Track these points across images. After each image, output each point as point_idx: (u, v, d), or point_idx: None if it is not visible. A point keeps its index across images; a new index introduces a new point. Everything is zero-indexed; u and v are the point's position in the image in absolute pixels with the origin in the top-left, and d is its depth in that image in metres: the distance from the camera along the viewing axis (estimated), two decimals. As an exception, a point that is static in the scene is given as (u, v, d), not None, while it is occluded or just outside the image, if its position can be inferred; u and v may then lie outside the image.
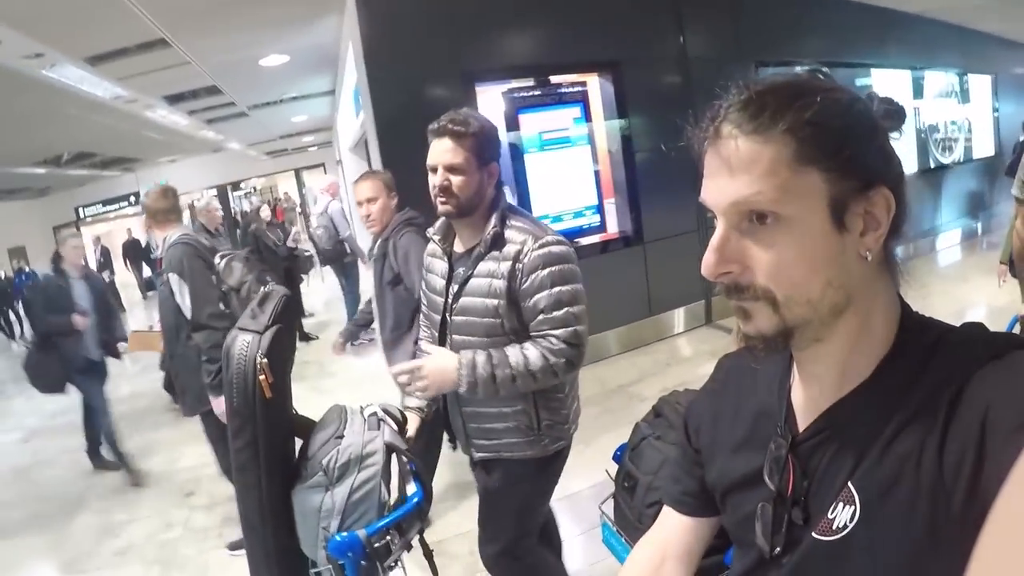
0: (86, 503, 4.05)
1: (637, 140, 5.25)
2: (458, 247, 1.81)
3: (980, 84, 8.95)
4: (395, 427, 1.64)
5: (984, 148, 9.05)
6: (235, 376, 1.38)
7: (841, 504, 0.63)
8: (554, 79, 5.08)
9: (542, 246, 1.65)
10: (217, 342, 2.50)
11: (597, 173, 5.25)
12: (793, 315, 0.62)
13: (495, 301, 1.67)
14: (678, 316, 5.60)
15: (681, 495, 0.91)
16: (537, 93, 5.03)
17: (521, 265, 1.64)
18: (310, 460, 1.49)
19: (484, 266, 1.69)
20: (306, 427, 1.60)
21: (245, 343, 1.39)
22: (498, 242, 1.69)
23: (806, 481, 0.68)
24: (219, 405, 2.69)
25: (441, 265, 1.83)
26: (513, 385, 1.63)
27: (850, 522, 0.61)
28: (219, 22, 4.82)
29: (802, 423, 0.71)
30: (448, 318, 1.78)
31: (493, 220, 1.69)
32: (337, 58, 6.66)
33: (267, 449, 1.42)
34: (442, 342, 1.81)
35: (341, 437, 1.50)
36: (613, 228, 5.35)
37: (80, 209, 18.35)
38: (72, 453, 4.70)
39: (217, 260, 2.85)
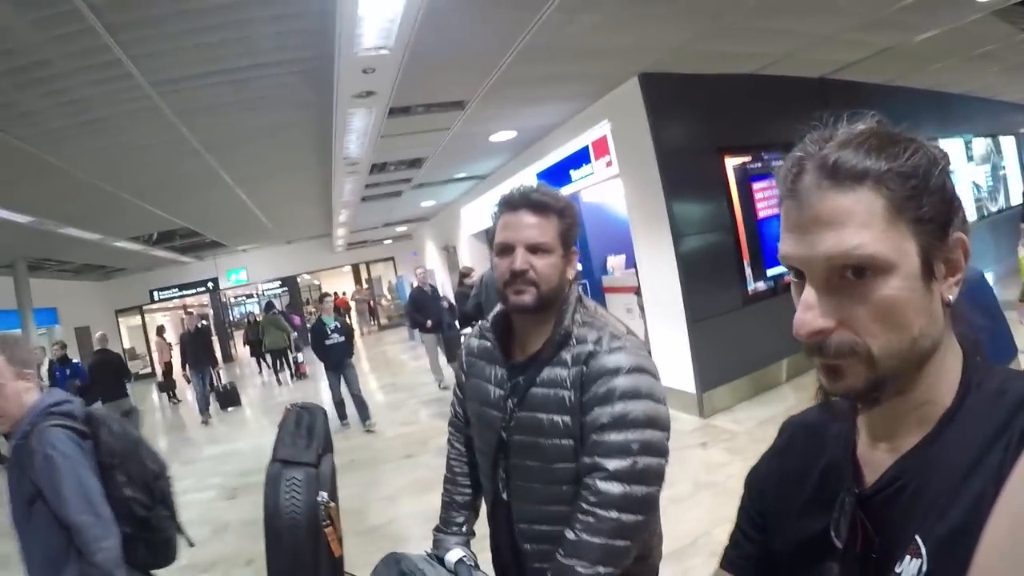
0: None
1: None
2: (519, 350, 1.49)
3: (1008, 144, 10.86)
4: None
5: (1016, 197, 10.69)
6: (286, 530, 1.05)
7: (908, 557, 0.60)
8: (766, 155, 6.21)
9: (614, 349, 1.34)
10: None
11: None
12: (885, 368, 0.61)
13: (563, 418, 1.35)
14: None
15: (738, 559, 0.89)
16: (757, 166, 6.10)
17: (588, 370, 1.34)
18: None
19: (549, 373, 1.38)
20: None
21: (296, 482, 1.07)
22: (567, 344, 1.38)
23: (876, 537, 0.65)
24: None
25: (495, 371, 1.50)
26: None
27: None
28: (514, 93, 5.49)
29: (870, 478, 0.69)
30: (505, 438, 1.44)
31: (566, 317, 1.40)
32: (542, 137, 7.45)
33: None
34: (495, 467, 1.48)
35: None
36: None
37: (155, 292, 18.74)
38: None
39: None
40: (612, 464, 1.26)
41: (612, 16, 4.15)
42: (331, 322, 7.63)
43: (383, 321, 21.98)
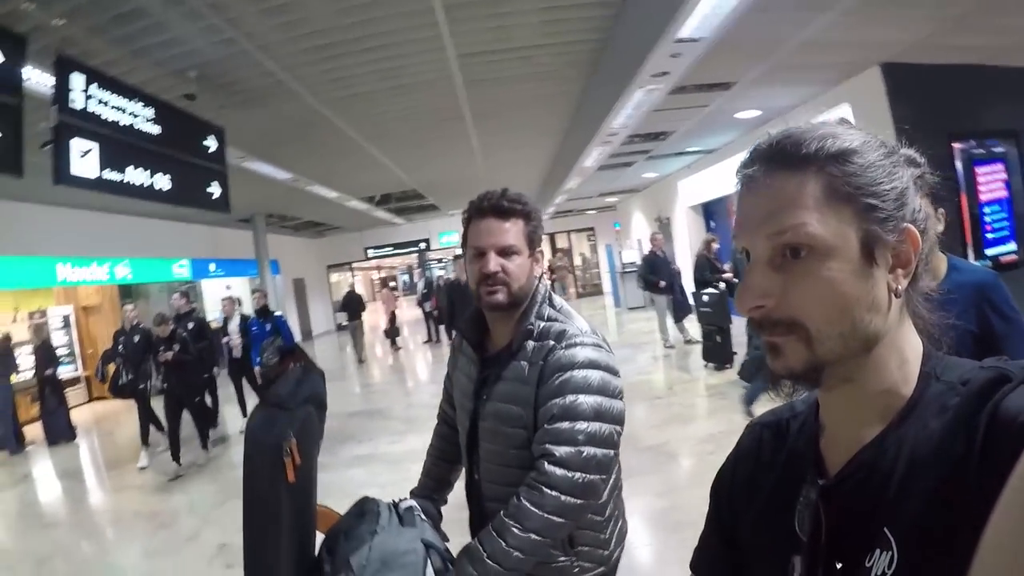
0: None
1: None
2: (492, 345, 1.62)
3: None
4: (433, 524, 1.54)
5: None
6: (255, 455, 1.25)
7: (878, 551, 0.59)
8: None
9: (570, 345, 1.45)
10: None
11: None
12: (824, 349, 0.62)
13: (520, 409, 1.46)
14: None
15: (708, 565, 0.88)
16: (981, 151, 6.87)
17: (546, 365, 1.44)
18: (335, 559, 1.37)
19: (514, 366, 1.50)
20: (330, 520, 1.51)
21: (268, 419, 1.27)
22: (531, 337, 1.50)
23: (840, 528, 0.64)
24: None
25: (471, 366, 1.63)
26: (529, 554, 1.35)
27: (888, 569, 0.58)
28: (771, 77, 6.51)
29: (833, 469, 0.68)
30: (476, 424, 1.59)
31: (532, 313, 1.52)
32: (781, 115, 8.39)
33: (288, 540, 1.28)
34: (471, 450, 1.61)
35: (375, 533, 1.39)
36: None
37: (369, 250, 19.93)
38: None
39: None
40: (560, 451, 1.35)
41: (873, 15, 5.12)
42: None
43: (579, 290, 22.31)
